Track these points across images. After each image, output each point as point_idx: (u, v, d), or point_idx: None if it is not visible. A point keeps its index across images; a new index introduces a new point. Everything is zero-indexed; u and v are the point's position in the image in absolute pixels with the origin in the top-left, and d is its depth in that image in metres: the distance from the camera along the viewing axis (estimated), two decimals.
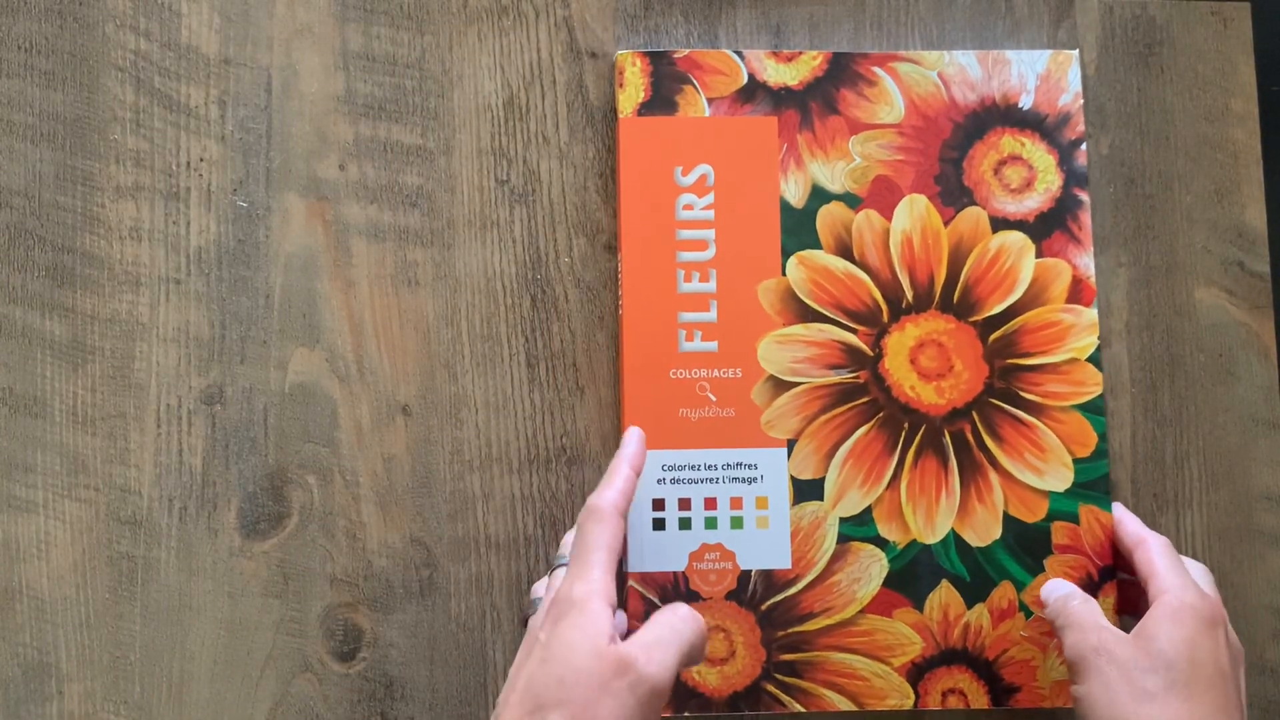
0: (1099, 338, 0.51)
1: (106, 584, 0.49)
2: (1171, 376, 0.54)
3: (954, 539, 0.50)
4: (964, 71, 0.53)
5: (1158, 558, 0.46)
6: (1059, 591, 0.48)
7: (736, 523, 0.50)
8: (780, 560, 0.50)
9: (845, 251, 0.52)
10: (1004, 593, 0.50)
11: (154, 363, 0.51)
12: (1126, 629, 0.44)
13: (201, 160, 0.52)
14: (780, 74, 0.53)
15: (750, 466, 0.50)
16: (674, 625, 0.42)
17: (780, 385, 0.51)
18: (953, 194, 0.52)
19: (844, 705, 0.50)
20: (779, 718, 0.50)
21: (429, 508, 0.51)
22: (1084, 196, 0.53)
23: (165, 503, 0.50)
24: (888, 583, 0.50)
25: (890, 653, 0.50)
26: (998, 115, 0.53)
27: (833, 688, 0.50)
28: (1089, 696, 0.43)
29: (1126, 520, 0.49)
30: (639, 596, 0.49)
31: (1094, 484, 0.51)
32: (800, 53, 0.53)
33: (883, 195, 0.52)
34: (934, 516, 0.51)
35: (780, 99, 0.52)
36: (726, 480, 0.50)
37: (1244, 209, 0.55)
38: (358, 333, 0.52)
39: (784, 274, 0.51)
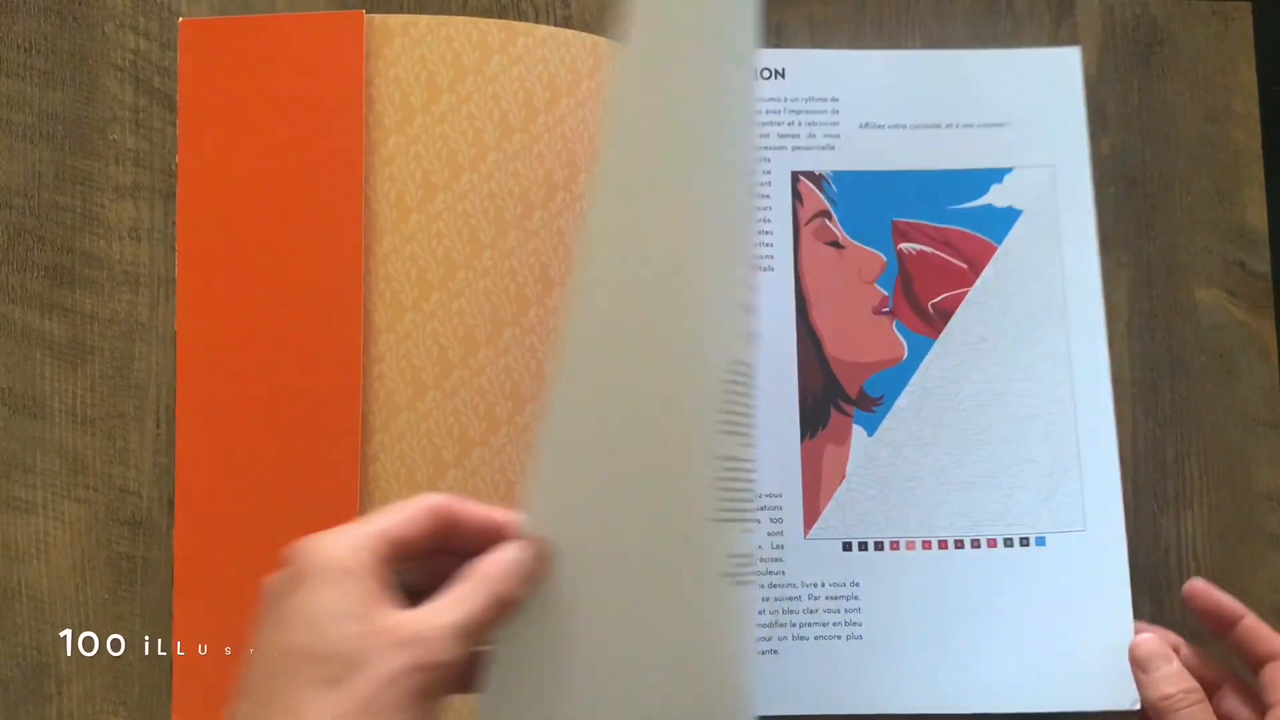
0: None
1: (106, 584, 0.49)
2: (1172, 376, 0.53)
3: None
4: None
5: None
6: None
7: None
8: None
9: None
10: None
11: (154, 363, 0.50)
12: None
13: None
14: None
15: None
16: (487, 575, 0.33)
17: None
18: None
19: None
20: (781, 718, 0.50)
21: None
22: None
23: (165, 503, 0.50)
24: None
25: None
26: None
27: None
28: None
29: (1258, 626, 0.46)
30: None
31: None
32: None
33: None
34: None
35: None
36: None
37: (1245, 209, 0.55)
38: None
39: None
